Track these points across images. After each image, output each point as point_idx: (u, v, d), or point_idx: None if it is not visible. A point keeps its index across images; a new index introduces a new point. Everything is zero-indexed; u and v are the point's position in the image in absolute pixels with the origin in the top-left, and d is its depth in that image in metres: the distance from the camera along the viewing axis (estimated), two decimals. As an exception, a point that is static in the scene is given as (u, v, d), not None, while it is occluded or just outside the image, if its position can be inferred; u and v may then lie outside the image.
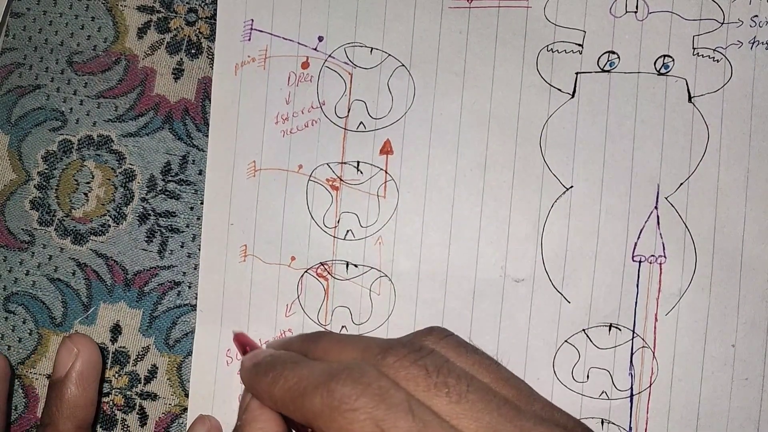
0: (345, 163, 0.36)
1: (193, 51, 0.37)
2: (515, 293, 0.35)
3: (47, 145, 0.37)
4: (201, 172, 0.37)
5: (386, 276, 0.35)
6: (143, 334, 0.37)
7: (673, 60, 0.35)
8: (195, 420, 0.35)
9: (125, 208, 0.37)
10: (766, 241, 0.34)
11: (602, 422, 0.35)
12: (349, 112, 0.36)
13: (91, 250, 0.37)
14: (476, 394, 0.21)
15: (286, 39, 0.36)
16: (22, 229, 0.37)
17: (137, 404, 0.36)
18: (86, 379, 0.34)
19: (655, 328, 0.34)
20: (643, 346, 0.34)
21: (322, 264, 0.36)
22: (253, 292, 0.36)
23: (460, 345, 0.23)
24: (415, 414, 0.20)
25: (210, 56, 0.37)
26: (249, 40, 0.37)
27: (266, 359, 0.25)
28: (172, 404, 0.36)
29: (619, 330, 0.35)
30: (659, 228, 0.35)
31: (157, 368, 0.36)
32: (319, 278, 0.36)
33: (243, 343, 0.32)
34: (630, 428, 0.34)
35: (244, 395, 0.26)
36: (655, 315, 0.34)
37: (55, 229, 0.37)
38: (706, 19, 0.35)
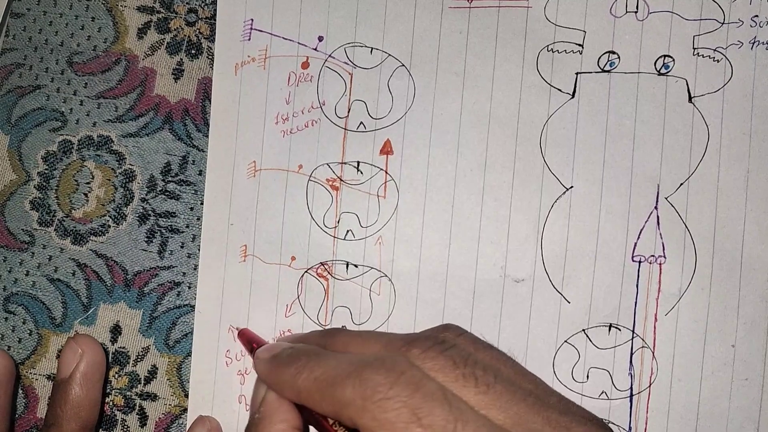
0: (345, 163, 0.36)
1: (193, 51, 0.37)
2: (515, 293, 0.35)
3: (47, 145, 0.37)
4: (201, 173, 0.37)
5: (386, 276, 0.35)
6: (143, 335, 0.37)
7: (674, 60, 0.35)
8: (195, 421, 0.35)
9: (125, 209, 0.37)
10: (766, 241, 0.34)
11: (602, 422, 0.35)
12: (349, 112, 0.36)
13: (91, 250, 0.37)
14: (502, 385, 0.21)
15: (286, 39, 0.36)
16: (22, 229, 0.37)
17: (137, 405, 0.36)
18: (90, 379, 0.34)
19: (654, 328, 0.34)
20: (642, 346, 0.34)
21: (322, 264, 0.36)
22: (253, 293, 0.36)
23: (477, 341, 0.23)
24: (450, 402, 0.20)
25: (210, 56, 0.37)
26: (249, 40, 0.37)
27: (286, 351, 0.25)
28: (172, 405, 0.36)
29: (619, 330, 0.35)
30: (659, 228, 0.35)
31: (156, 369, 0.36)
32: (319, 278, 0.36)
33: (249, 339, 0.32)
34: (630, 428, 0.34)
35: (257, 389, 0.26)
36: (655, 315, 0.34)
37: (55, 230, 0.37)
38: (707, 19, 0.35)
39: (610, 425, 0.34)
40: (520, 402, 0.20)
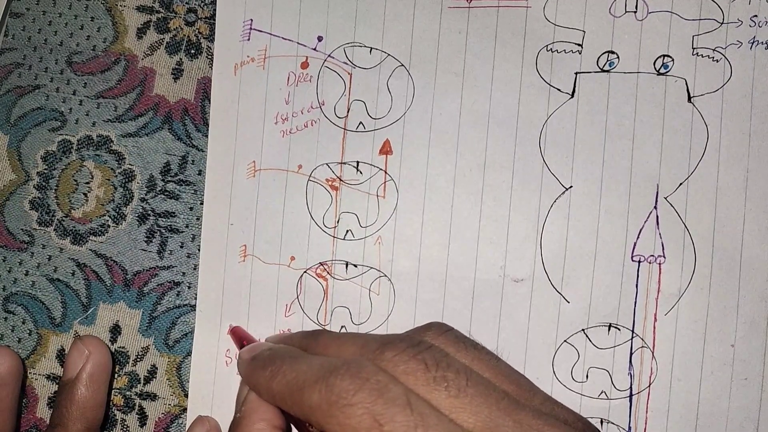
0: (344, 163, 0.36)
1: (192, 51, 0.37)
2: (515, 293, 0.35)
3: (46, 145, 0.37)
4: (200, 173, 0.37)
5: (386, 276, 0.35)
6: (143, 335, 0.37)
7: (673, 60, 0.35)
8: (194, 421, 0.35)
9: (125, 209, 0.37)
10: (766, 241, 0.34)
11: (601, 422, 0.35)
12: (348, 112, 0.36)
13: (90, 250, 0.37)
14: (475, 388, 0.21)
15: (285, 39, 0.36)
16: (22, 229, 0.37)
17: (137, 404, 0.36)
18: (96, 380, 0.34)
19: (654, 328, 0.34)
20: (642, 346, 0.34)
21: (321, 264, 0.36)
22: (253, 292, 0.36)
23: (459, 340, 0.23)
24: (413, 408, 0.20)
25: (209, 56, 0.37)
26: (248, 40, 0.37)
27: (264, 353, 0.25)
28: (172, 404, 0.36)
29: (619, 330, 0.35)
30: (658, 228, 0.35)
31: (156, 368, 0.36)
32: (318, 278, 0.36)
33: (240, 337, 0.32)
34: (629, 428, 0.34)
35: (241, 387, 0.26)
36: (655, 315, 0.34)
37: (54, 230, 0.37)
38: (706, 19, 0.35)
39: (610, 425, 0.34)
40: (492, 405, 0.20)
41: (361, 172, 0.36)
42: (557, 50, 0.35)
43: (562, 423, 0.21)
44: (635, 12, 0.35)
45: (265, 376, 0.24)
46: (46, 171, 0.37)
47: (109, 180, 0.37)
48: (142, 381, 0.36)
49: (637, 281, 0.35)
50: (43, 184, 0.37)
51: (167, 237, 0.37)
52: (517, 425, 0.20)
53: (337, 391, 0.20)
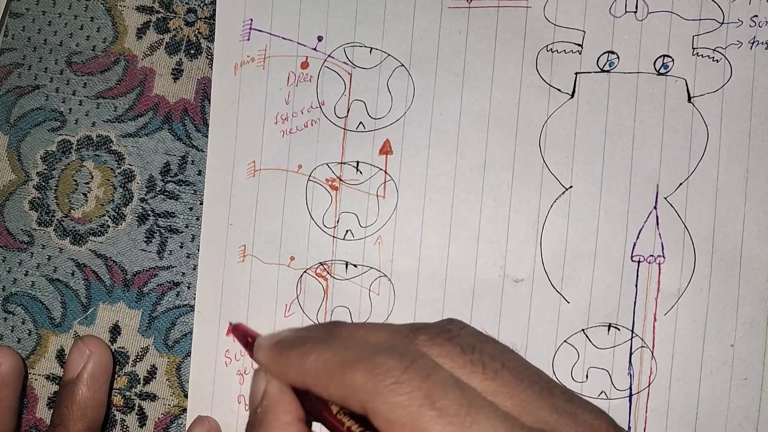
0: (344, 163, 0.36)
1: (192, 51, 0.37)
2: (515, 293, 0.35)
3: (46, 145, 0.37)
4: (200, 173, 0.37)
5: (386, 276, 0.35)
6: (142, 335, 0.37)
7: (673, 60, 0.35)
8: (194, 421, 0.35)
9: (124, 209, 0.37)
10: (766, 241, 0.34)
11: (601, 422, 0.35)
12: (348, 112, 0.36)
13: (90, 250, 0.37)
14: (509, 372, 0.21)
15: (285, 39, 0.36)
16: (21, 229, 0.37)
17: (136, 405, 0.36)
18: (97, 380, 0.34)
19: (654, 327, 0.34)
20: (642, 346, 0.35)
21: (321, 264, 0.36)
22: (252, 292, 0.36)
23: (480, 333, 0.23)
24: (462, 388, 0.20)
25: (209, 56, 0.37)
26: (248, 39, 0.37)
27: (290, 336, 0.24)
28: (171, 405, 0.36)
29: (618, 330, 0.35)
30: (658, 228, 0.35)
31: (156, 369, 0.36)
32: (318, 278, 0.36)
33: (244, 333, 0.31)
34: (629, 428, 0.34)
35: (256, 383, 0.25)
36: (654, 315, 0.34)
37: (54, 230, 0.37)
38: (706, 19, 0.35)
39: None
40: (527, 389, 0.20)
41: (361, 172, 0.36)
42: (557, 50, 0.35)
43: (590, 409, 0.21)
44: (635, 12, 0.35)
45: (295, 355, 0.23)
46: (45, 171, 0.37)
47: (108, 180, 0.37)
48: (141, 381, 0.36)
49: (636, 281, 0.35)
50: (43, 184, 0.37)
51: (167, 237, 0.37)
52: (553, 409, 0.20)
53: (384, 369, 0.20)
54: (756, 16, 0.34)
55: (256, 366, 0.25)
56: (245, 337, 0.30)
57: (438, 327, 0.22)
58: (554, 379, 0.22)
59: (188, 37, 0.37)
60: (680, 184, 0.35)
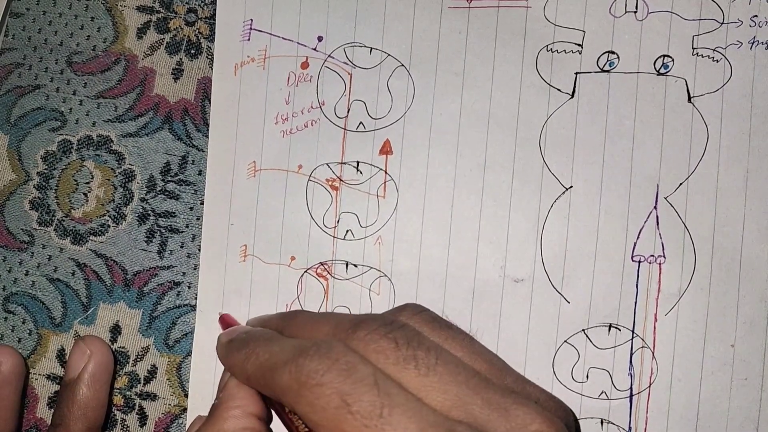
0: (345, 163, 0.36)
1: (192, 51, 0.37)
2: (515, 293, 0.35)
3: (47, 145, 0.37)
4: (200, 173, 0.37)
5: (386, 276, 0.35)
6: (143, 335, 0.37)
7: (673, 60, 0.35)
8: (194, 421, 0.35)
9: (125, 209, 0.37)
10: (766, 241, 0.34)
11: (602, 422, 0.35)
12: (348, 112, 0.36)
13: (90, 250, 0.37)
14: (445, 366, 0.21)
15: (285, 39, 0.36)
16: (22, 229, 0.37)
17: (137, 404, 0.36)
18: (98, 380, 0.34)
19: (654, 328, 0.34)
20: (642, 346, 0.34)
21: (321, 264, 0.36)
22: (253, 292, 0.36)
23: (433, 320, 0.23)
24: (380, 387, 0.20)
25: (209, 56, 0.37)
26: (248, 40, 0.37)
27: (241, 335, 0.25)
28: (172, 404, 0.36)
29: (619, 330, 0.35)
30: (659, 228, 0.35)
31: (156, 368, 0.36)
32: (318, 278, 0.36)
33: (227, 324, 0.32)
34: (629, 428, 0.34)
35: (223, 374, 0.26)
36: (655, 315, 0.34)
37: (54, 230, 0.37)
38: (706, 19, 0.35)
39: (610, 425, 0.34)
40: (462, 384, 0.20)
41: (361, 172, 0.36)
42: (557, 50, 0.35)
43: (532, 402, 0.21)
44: (635, 12, 0.35)
45: (239, 358, 0.24)
46: (46, 171, 0.37)
47: (109, 180, 0.37)
48: (142, 381, 0.36)
49: (637, 281, 0.35)
50: (43, 184, 0.37)
51: (167, 237, 0.37)
52: (486, 403, 0.20)
53: (306, 371, 0.20)
54: (756, 16, 0.34)
55: None
56: (227, 326, 0.30)
57: (380, 320, 0.22)
58: (511, 369, 0.22)
59: (189, 37, 0.37)
60: (680, 184, 0.35)
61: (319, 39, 0.36)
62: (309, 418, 0.20)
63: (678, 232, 0.34)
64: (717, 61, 0.35)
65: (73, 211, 0.37)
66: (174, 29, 0.37)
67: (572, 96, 0.35)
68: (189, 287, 0.36)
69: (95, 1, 0.37)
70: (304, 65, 0.36)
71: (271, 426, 0.25)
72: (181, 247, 0.37)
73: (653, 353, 0.34)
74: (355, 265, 0.36)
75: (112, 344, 0.37)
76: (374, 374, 0.20)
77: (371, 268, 0.36)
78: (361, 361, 0.20)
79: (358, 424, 0.19)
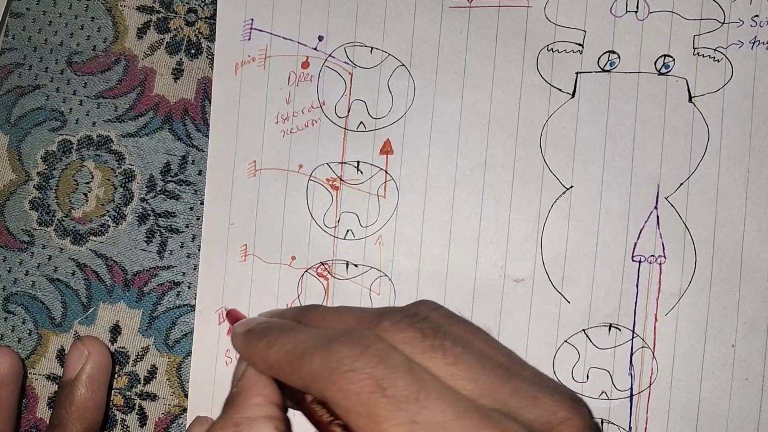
0: (345, 162, 0.36)
1: (192, 51, 0.37)
2: (515, 293, 0.35)
3: (47, 145, 0.37)
4: (201, 173, 0.37)
5: (386, 276, 0.35)
6: (143, 335, 0.37)
7: (674, 60, 0.35)
8: (193, 421, 0.35)
9: (125, 209, 0.37)
10: (766, 241, 0.34)
11: (602, 422, 0.35)
12: (349, 111, 0.36)
13: (90, 250, 0.37)
14: (472, 356, 0.21)
15: (286, 38, 0.36)
16: (22, 229, 0.37)
17: (137, 404, 0.36)
18: (96, 381, 0.34)
19: (654, 328, 0.34)
20: (642, 346, 0.34)
21: (322, 264, 0.36)
22: (253, 292, 0.36)
23: (451, 315, 0.23)
24: (414, 373, 0.20)
25: (210, 56, 0.37)
26: (249, 39, 0.37)
27: (260, 325, 0.25)
28: (172, 405, 0.36)
29: (619, 330, 0.35)
30: (659, 228, 0.35)
31: (156, 368, 0.36)
32: (319, 278, 0.36)
33: (236, 318, 0.32)
34: (630, 428, 0.34)
35: (238, 365, 0.26)
36: (655, 315, 0.34)
37: (54, 230, 0.37)
38: (707, 19, 0.35)
39: (611, 425, 0.34)
40: (489, 373, 0.21)
41: (361, 172, 0.36)
42: (558, 50, 0.35)
43: (555, 391, 0.21)
44: (636, 12, 0.35)
45: (261, 347, 0.24)
46: (46, 171, 0.37)
47: (109, 180, 0.37)
48: (142, 381, 0.36)
49: (637, 281, 0.35)
50: (43, 184, 0.37)
51: (167, 237, 0.37)
52: (513, 391, 0.20)
53: (338, 357, 0.20)
54: (757, 15, 0.34)
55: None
56: (237, 320, 0.30)
57: (404, 312, 0.22)
58: (526, 362, 0.22)
59: (189, 36, 0.37)
60: (681, 184, 0.35)
61: (320, 38, 0.36)
62: (340, 404, 0.20)
63: (678, 232, 0.34)
64: (718, 61, 0.35)
65: (73, 211, 0.37)
66: (174, 29, 0.37)
67: (573, 96, 0.35)
68: (189, 287, 0.36)
69: (95, 1, 0.37)
70: (305, 65, 0.36)
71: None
72: (181, 247, 0.37)
73: (653, 353, 0.34)
74: (356, 265, 0.36)
75: (112, 344, 0.37)
76: (407, 361, 0.20)
77: (372, 267, 0.36)
78: (392, 349, 0.21)
79: (394, 408, 0.19)
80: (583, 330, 0.35)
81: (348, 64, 0.36)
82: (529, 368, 0.22)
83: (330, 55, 0.36)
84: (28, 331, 0.37)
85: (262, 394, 0.24)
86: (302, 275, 0.36)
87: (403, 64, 0.36)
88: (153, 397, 0.36)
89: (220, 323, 0.36)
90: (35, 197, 0.37)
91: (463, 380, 0.20)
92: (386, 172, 0.36)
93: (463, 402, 0.20)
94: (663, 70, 0.35)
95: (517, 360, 0.22)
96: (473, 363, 0.21)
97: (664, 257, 0.34)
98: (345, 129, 0.36)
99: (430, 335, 0.21)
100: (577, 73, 0.35)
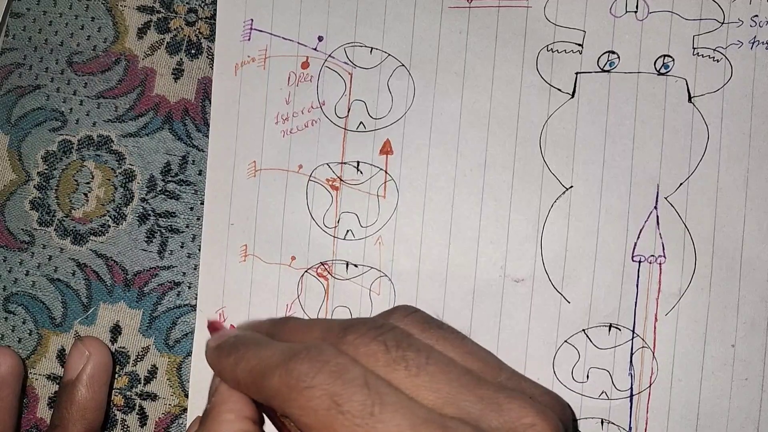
0: (345, 163, 0.36)
1: (193, 51, 0.37)
2: (515, 293, 0.35)
3: (47, 145, 0.37)
4: (201, 173, 0.37)
5: (386, 276, 0.35)
6: (143, 335, 0.37)
7: (673, 60, 0.35)
8: (193, 421, 0.35)
9: (125, 209, 0.37)
10: (766, 241, 0.34)
11: (602, 422, 0.35)
12: (349, 112, 0.36)
13: (90, 250, 0.37)
14: (436, 366, 0.21)
15: (286, 39, 0.36)
16: (22, 229, 0.37)
17: (137, 405, 0.36)
18: (97, 381, 0.34)
19: (654, 328, 0.34)
20: (642, 346, 0.34)
21: (322, 264, 0.36)
22: (253, 292, 0.36)
23: (425, 321, 0.23)
24: (371, 387, 0.20)
25: (210, 56, 0.37)
26: (249, 39, 0.37)
27: (229, 340, 0.25)
28: (172, 405, 0.36)
29: (619, 330, 0.35)
30: (659, 228, 0.35)
31: (156, 368, 0.36)
32: (319, 278, 0.36)
33: (216, 329, 0.32)
34: (630, 428, 0.34)
35: (213, 378, 0.26)
36: (655, 315, 0.34)
37: (54, 230, 0.37)
38: (707, 19, 0.35)
39: (611, 425, 0.34)
40: (453, 381, 0.21)
41: (361, 172, 0.36)
42: (558, 50, 0.35)
43: (527, 396, 0.21)
44: (636, 12, 0.35)
45: (229, 363, 0.24)
46: (46, 171, 0.37)
47: (109, 180, 0.37)
48: (142, 381, 0.36)
49: (637, 281, 0.35)
50: (44, 184, 0.37)
51: (167, 237, 0.37)
52: (478, 399, 0.20)
53: (296, 374, 0.20)
54: (756, 15, 0.34)
55: None
56: (216, 332, 0.30)
57: (369, 323, 0.22)
58: (506, 366, 0.22)
59: (189, 37, 0.37)
60: (681, 184, 0.35)
61: (320, 39, 0.36)
62: (301, 421, 0.20)
63: (678, 232, 0.34)
64: (717, 61, 0.35)
65: (73, 211, 0.37)
66: (174, 29, 0.37)
67: (572, 96, 0.35)
68: (189, 287, 0.36)
69: (96, 1, 0.37)
70: (305, 65, 0.36)
71: (264, 428, 0.25)
72: (182, 247, 0.37)
73: (653, 353, 0.34)
74: (356, 265, 0.36)
75: (113, 344, 0.37)
76: (365, 375, 0.20)
77: (371, 268, 0.36)
78: (351, 363, 0.21)
79: (349, 424, 0.19)
80: (583, 330, 0.35)
81: (348, 64, 0.36)
82: (506, 372, 0.22)
83: (330, 56, 0.36)
84: (28, 331, 0.37)
85: (234, 410, 0.24)
86: (302, 275, 0.36)
87: (403, 65, 0.36)
88: (153, 397, 0.36)
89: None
90: (35, 197, 0.37)
91: (425, 390, 0.20)
92: (386, 173, 0.36)
93: (421, 413, 0.19)
94: (663, 70, 0.35)
95: (493, 364, 0.22)
96: (437, 372, 0.21)
97: (664, 257, 0.34)
98: (345, 129, 0.36)
99: (393, 347, 0.21)
100: (576, 73, 0.35)
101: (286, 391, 0.21)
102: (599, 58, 0.35)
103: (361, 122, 0.36)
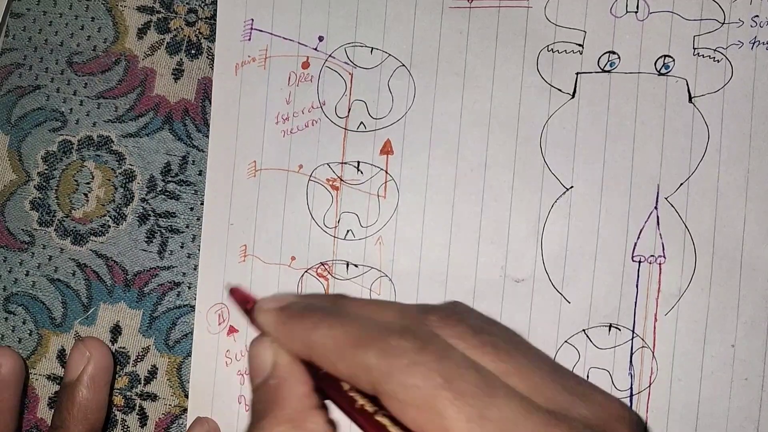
0: (345, 163, 0.36)
1: (193, 51, 0.37)
2: (515, 293, 0.35)
3: (47, 145, 0.37)
4: (201, 173, 0.37)
5: (386, 276, 0.35)
6: (143, 335, 0.37)
7: (674, 60, 0.35)
8: (193, 422, 0.35)
9: (125, 209, 0.37)
10: (766, 241, 0.34)
11: (602, 422, 0.35)
12: (349, 112, 0.36)
13: (91, 250, 0.37)
14: (521, 354, 0.21)
15: (286, 39, 0.36)
16: (22, 229, 0.37)
17: (137, 405, 0.36)
18: (98, 382, 0.34)
19: (654, 328, 0.34)
20: (642, 346, 0.34)
21: (322, 264, 0.36)
22: (253, 292, 0.36)
23: (485, 316, 0.23)
24: (479, 369, 0.19)
25: (210, 56, 0.37)
26: (249, 39, 0.37)
27: (299, 303, 0.23)
28: (172, 405, 0.36)
29: (619, 330, 0.35)
30: (659, 228, 0.35)
31: (156, 369, 0.36)
32: (319, 278, 0.36)
33: (244, 297, 0.29)
34: (630, 428, 0.34)
35: (260, 353, 0.23)
36: (655, 315, 0.34)
37: (55, 230, 0.37)
38: (707, 19, 0.35)
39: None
40: (538, 371, 0.20)
41: (361, 172, 0.36)
42: (558, 50, 0.35)
43: (600, 390, 0.21)
44: (636, 12, 0.35)
45: (303, 326, 0.22)
46: (46, 171, 0.37)
47: (109, 180, 0.37)
48: (142, 381, 0.36)
49: (637, 281, 0.35)
50: (44, 184, 0.37)
51: (167, 237, 0.37)
52: (564, 389, 0.20)
53: (399, 351, 0.20)
54: (757, 16, 0.34)
55: (255, 333, 0.24)
56: (245, 302, 0.28)
57: (447, 308, 0.22)
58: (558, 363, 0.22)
59: (189, 37, 0.37)
60: (681, 184, 0.35)
61: (320, 39, 0.36)
62: (399, 398, 0.19)
63: (678, 233, 0.34)
64: (718, 61, 0.35)
65: (73, 211, 0.37)
66: (174, 29, 0.37)
67: (573, 96, 0.35)
68: (189, 287, 0.36)
69: (96, 1, 0.37)
70: (305, 65, 0.36)
71: None
72: (182, 247, 0.37)
73: (653, 353, 0.34)
74: (356, 265, 0.36)
75: (113, 344, 0.37)
76: (467, 356, 0.20)
77: (372, 268, 0.36)
78: (450, 345, 0.20)
79: (460, 404, 0.18)
80: (583, 330, 0.35)
81: (348, 64, 0.36)
82: (567, 369, 0.22)
83: (330, 56, 0.36)
84: (28, 332, 0.37)
85: (305, 382, 0.22)
86: (302, 275, 0.36)
87: (404, 65, 0.36)
88: (153, 397, 0.36)
89: (220, 323, 0.36)
90: (36, 197, 0.37)
91: (515, 378, 0.20)
92: (386, 173, 0.36)
93: (525, 400, 0.19)
94: (663, 71, 0.35)
95: (554, 361, 0.22)
96: (523, 361, 0.20)
97: (664, 257, 0.34)
98: (345, 129, 0.36)
99: (479, 331, 0.21)
100: (577, 74, 0.35)
101: (384, 366, 0.20)
102: (600, 58, 0.35)
103: (361, 122, 0.36)
